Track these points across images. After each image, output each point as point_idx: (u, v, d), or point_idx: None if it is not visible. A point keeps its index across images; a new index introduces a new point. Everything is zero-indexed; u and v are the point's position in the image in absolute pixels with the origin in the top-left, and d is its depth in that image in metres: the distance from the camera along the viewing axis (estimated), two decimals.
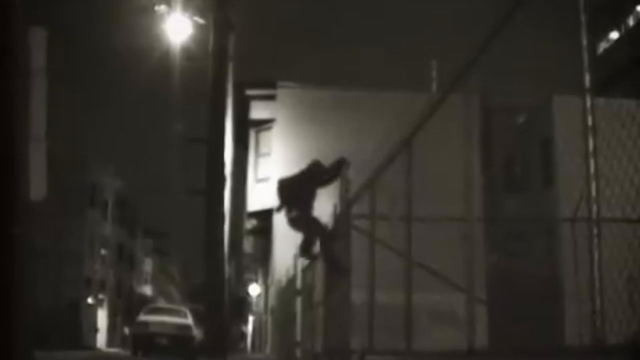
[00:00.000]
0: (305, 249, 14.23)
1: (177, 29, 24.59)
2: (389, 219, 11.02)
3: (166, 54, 24.81)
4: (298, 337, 20.19)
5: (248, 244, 42.55)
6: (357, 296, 12.03)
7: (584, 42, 5.18)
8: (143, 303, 53.78)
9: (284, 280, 26.06)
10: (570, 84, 5.38)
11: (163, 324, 27.41)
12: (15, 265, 5.42)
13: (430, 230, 10.46)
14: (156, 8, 24.56)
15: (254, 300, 54.84)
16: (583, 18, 5.21)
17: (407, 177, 9.57)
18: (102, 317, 75.72)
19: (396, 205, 10.03)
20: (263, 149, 35.08)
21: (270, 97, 34.56)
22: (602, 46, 43.40)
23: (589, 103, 5.10)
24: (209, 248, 20.20)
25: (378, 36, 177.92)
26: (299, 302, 20.27)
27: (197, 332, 26.85)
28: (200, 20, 23.66)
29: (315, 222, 13.75)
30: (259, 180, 34.91)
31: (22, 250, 5.47)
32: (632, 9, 41.71)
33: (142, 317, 28.39)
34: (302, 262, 20.14)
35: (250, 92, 34.51)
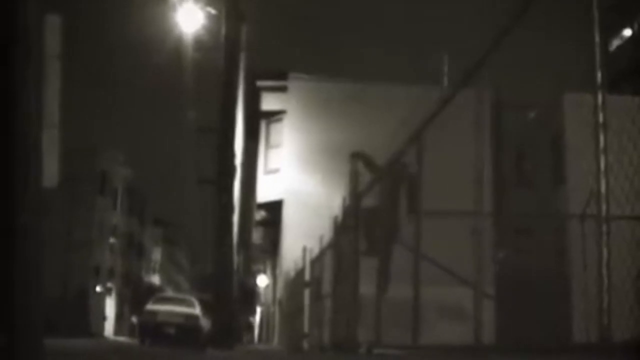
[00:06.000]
0: None
1: (189, 19, 24.60)
2: (398, 212, 11.02)
3: (178, 43, 24.83)
4: (306, 329, 20.21)
5: (257, 235, 42.57)
6: (366, 289, 12.05)
7: (597, 38, 5.17)
8: (151, 292, 53.88)
9: (292, 271, 26.09)
10: (582, 80, 5.37)
11: (171, 313, 27.45)
12: (27, 252, 5.45)
13: (439, 224, 10.46)
14: None
15: (262, 291, 54.89)
16: (596, 14, 5.20)
17: (417, 171, 9.58)
18: (110, 306, 75.91)
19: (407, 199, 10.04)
20: (273, 140, 35.05)
21: (282, 89, 34.53)
22: (615, 43, 43.28)
23: (600, 100, 5.08)
24: (218, 238, 20.25)
25: (391, 29, 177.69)
26: (307, 294, 20.30)
27: (204, 322, 26.90)
28: (212, 11, 23.67)
29: None
30: (268, 172, 34.91)
31: (34, 238, 5.49)
32: None
33: (150, 307, 28.43)
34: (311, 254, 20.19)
35: (261, 83, 34.49)
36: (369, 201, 12.90)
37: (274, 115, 35.02)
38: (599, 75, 5.12)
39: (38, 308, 5.51)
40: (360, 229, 13.02)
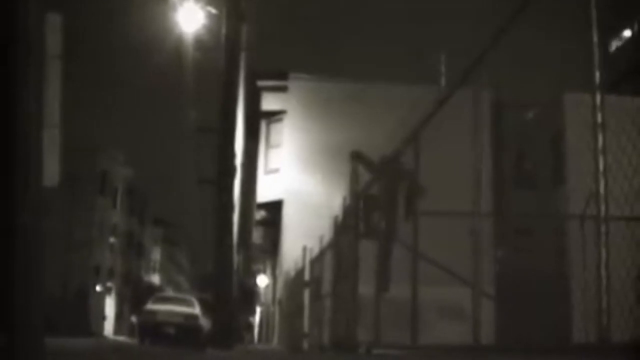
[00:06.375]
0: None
1: (190, 18, 24.59)
2: (397, 211, 11.03)
3: (178, 43, 24.82)
4: (305, 329, 20.23)
5: (257, 235, 42.56)
6: (365, 289, 12.05)
7: (595, 39, 5.17)
8: (151, 292, 53.86)
9: (292, 271, 26.10)
10: (582, 80, 5.38)
11: (170, 313, 27.45)
12: (27, 252, 5.45)
13: (439, 224, 10.47)
14: None
15: (262, 291, 54.87)
16: (594, 14, 5.21)
17: (414, 171, 9.60)
18: (109, 305, 75.91)
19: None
20: (273, 140, 35.05)
21: (282, 89, 34.52)
22: (615, 44, 43.27)
23: (599, 100, 5.09)
24: (218, 238, 20.24)
25: (392, 29, 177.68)
26: (306, 293, 20.31)
27: (204, 322, 26.88)
28: (213, 11, 23.65)
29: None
30: (269, 172, 34.91)
31: (34, 238, 5.49)
32: None
33: (150, 306, 28.42)
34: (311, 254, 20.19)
35: (261, 83, 34.48)
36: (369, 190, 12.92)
37: (274, 115, 35.02)
38: (598, 75, 5.13)
39: (38, 308, 5.52)
40: (360, 213, 13.02)
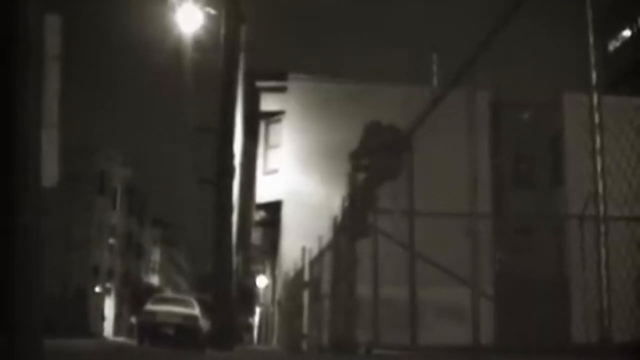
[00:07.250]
0: None
1: (189, 19, 24.61)
2: (393, 212, 11.05)
3: (177, 44, 24.84)
4: (305, 330, 20.21)
5: (256, 236, 42.55)
6: (365, 290, 12.05)
7: (591, 40, 5.17)
8: (150, 292, 53.85)
9: (291, 272, 26.09)
10: (581, 81, 5.38)
11: (170, 314, 27.43)
12: (27, 252, 5.45)
13: (438, 225, 10.47)
14: None
15: (261, 292, 54.88)
16: (589, 16, 5.21)
17: (409, 171, 9.62)
18: (109, 306, 75.90)
19: (404, 199, 10.06)
20: (272, 141, 35.02)
21: (281, 89, 34.50)
22: (614, 44, 43.26)
23: (595, 101, 5.10)
24: (217, 239, 20.24)
25: (393, 29, 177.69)
26: (306, 294, 20.29)
27: (204, 323, 26.88)
28: (212, 11, 23.67)
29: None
30: (268, 172, 34.89)
31: (34, 238, 5.49)
32: None
33: (149, 307, 28.41)
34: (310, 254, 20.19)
35: (260, 83, 34.45)
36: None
37: (273, 116, 34.99)
38: (594, 76, 5.13)
39: (38, 308, 5.52)
40: (354, 211, 12.95)
